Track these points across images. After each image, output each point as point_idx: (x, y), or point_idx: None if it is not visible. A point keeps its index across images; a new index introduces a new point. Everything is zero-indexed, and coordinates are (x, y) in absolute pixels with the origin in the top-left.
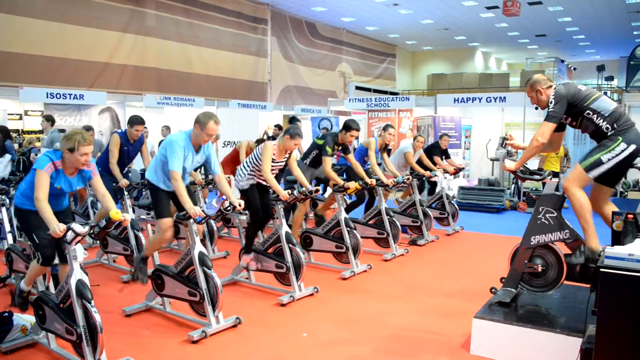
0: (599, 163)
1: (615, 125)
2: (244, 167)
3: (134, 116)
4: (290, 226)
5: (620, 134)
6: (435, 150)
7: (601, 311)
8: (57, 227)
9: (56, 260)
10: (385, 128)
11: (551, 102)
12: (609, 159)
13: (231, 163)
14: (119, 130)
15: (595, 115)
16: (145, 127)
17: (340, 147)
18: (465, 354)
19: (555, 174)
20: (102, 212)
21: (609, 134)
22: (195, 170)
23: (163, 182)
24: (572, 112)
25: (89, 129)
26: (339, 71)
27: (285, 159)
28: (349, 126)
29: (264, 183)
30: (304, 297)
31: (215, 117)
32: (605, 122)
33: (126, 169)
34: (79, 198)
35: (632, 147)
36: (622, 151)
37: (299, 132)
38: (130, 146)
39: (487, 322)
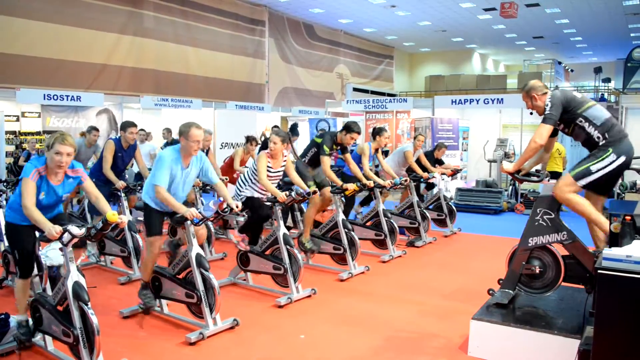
0: (588, 173)
1: (607, 135)
2: (244, 181)
3: (125, 121)
4: (289, 228)
5: (611, 145)
6: (430, 160)
7: (599, 313)
8: (52, 229)
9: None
10: (379, 132)
11: (547, 105)
12: (597, 169)
13: (228, 169)
14: (114, 137)
15: (587, 124)
16: (143, 130)
17: (338, 147)
18: (463, 356)
19: (559, 175)
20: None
21: (600, 143)
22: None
23: (154, 200)
24: (565, 117)
25: (95, 129)
26: (337, 73)
27: (283, 166)
28: (349, 128)
29: (263, 195)
30: (302, 299)
31: (195, 124)
32: (596, 131)
33: (122, 175)
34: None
35: (622, 158)
36: (612, 162)
37: (276, 132)
38: (125, 152)
39: (485, 324)
